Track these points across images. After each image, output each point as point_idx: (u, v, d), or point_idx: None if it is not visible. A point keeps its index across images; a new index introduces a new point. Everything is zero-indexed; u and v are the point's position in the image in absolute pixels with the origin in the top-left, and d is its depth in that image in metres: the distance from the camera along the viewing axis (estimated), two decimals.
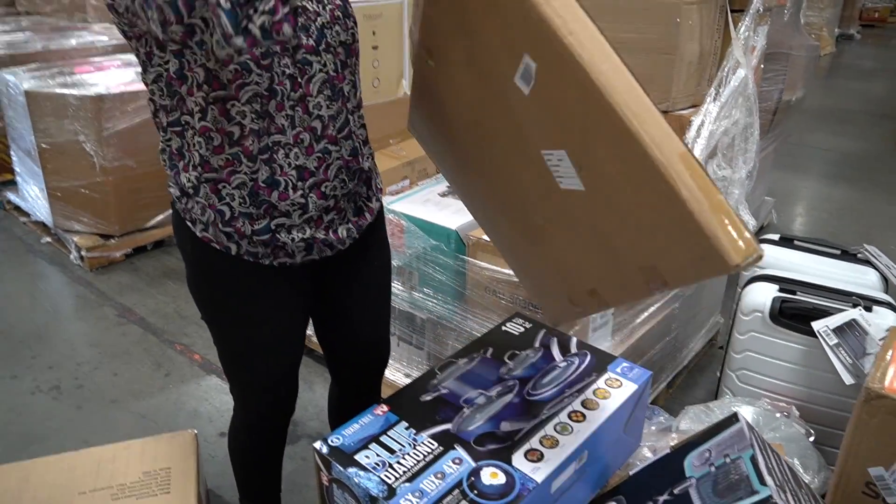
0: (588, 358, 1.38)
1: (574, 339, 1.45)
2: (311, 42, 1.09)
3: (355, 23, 1.18)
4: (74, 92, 3.01)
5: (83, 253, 3.18)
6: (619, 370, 1.35)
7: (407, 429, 1.20)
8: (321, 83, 1.12)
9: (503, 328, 1.50)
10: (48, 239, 3.45)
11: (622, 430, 1.32)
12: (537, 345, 1.44)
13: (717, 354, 2.54)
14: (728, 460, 1.19)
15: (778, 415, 1.76)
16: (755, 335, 1.82)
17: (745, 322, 1.84)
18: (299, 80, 1.09)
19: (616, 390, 1.29)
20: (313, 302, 1.36)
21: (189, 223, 1.17)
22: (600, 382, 1.31)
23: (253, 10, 0.82)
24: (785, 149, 3.66)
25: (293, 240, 1.16)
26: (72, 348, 2.62)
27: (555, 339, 1.45)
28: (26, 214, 3.60)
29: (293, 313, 1.32)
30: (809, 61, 3.32)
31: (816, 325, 1.67)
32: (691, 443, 1.30)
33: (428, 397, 1.29)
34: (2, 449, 2.10)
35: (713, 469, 1.20)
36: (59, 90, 3.02)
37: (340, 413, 1.59)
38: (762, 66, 2.16)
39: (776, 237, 2.12)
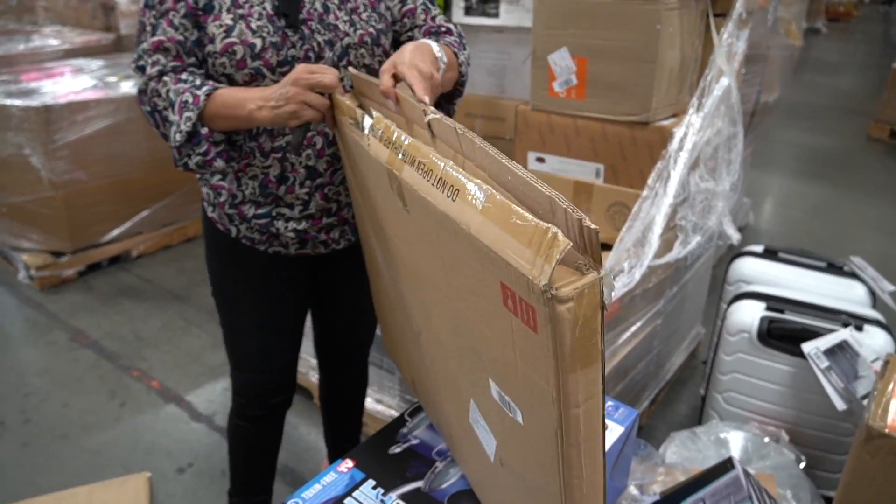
0: None
1: None
2: (334, 57, 1.17)
3: (385, 53, 1.24)
4: (18, 102, 2.82)
5: (32, 272, 3.00)
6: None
7: (374, 488, 1.09)
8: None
9: None
10: None
11: (609, 477, 1.22)
12: None
13: (699, 367, 2.47)
14: None
15: (767, 439, 1.68)
16: (742, 356, 1.74)
17: (731, 342, 1.75)
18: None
19: None
20: (312, 295, 1.46)
21: (205, 203, 1.32)
22: None
23: (191, 151, 1.09)
24: (759, 146, 3.62)
25: (287, 229, 1.25)
26: (18, 378, 2.45)
27: None
28: None
29: (282, 301, 1.38)
30: (785, 61, 3.27)
31: (806, 348, 1.58)
32: (683, 489, 1.20)
33: (397, 449, 1.17)
34: None
35: None
36: (1, 100, 2.83)
37: (329, 395, 1.74)
38: (742, 70, 2.08)
39: (760, 249, 2.04)
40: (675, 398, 2.34)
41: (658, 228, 1.65)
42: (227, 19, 1.10)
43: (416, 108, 0.97)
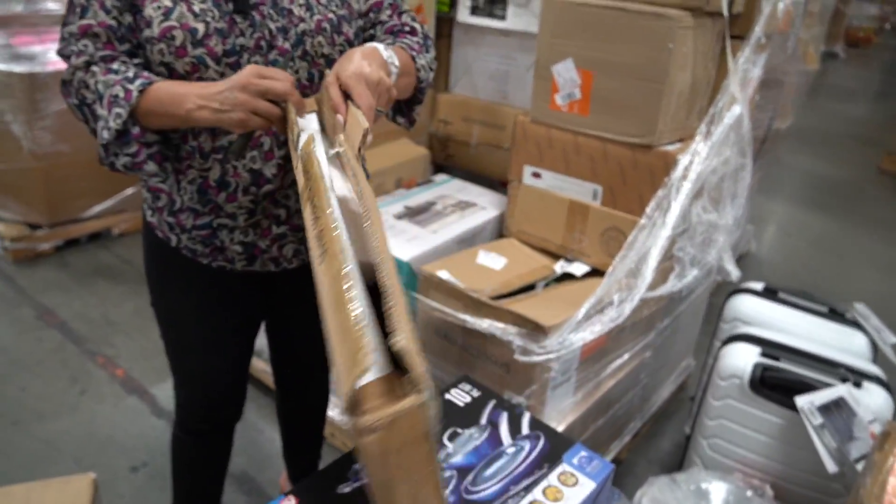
0: (541, 443, 1.18)
1: (527, 416, 1.24)
2: (287, 45, 1.04)
3: (348, 42, 1.11)
4: (2, 67, 2.71)
5: (6, 243, 2.89)
6: (575, 461, 1.15)
7: None
8: None
9: (447, 396, 1.28)
10: None
11: None
12: (484, 421, 1.23)
13: (686, 401, 2.37)
14: None
15: (749, 493, 1.58)
16: (731, 403, 1.64)
17: (721, 387, 1.65)
18: None
19: (571, 489, 1.09)
20: (263, 312, 1.35)
21: (145, 206, 1.20)
22: (552, 478, 1.10)
23: (119, 151, 0.97)
24: (766, 172, 3.50)
25: (232, 241, 1.13)
26: None
27: (504, 416, 1.24)
28: None
29: (227, 319, 1.27)
30: (801, 86, 3.15)
31: (800, 402, 1.48)
32: None
33: (346, 489, 1.07)
34: None
35: None
36: None
37: (287, 412, 1.62)
38: (756, 96, 1.97)
39: (759, 287, 1.93)
40: (659, 432, 2.24)
41: (653, 261, 1.55)
42: (165, 0, 0.98)
43: (354, 128, 0.86)
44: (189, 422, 1.39)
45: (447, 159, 2.38)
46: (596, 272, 1.81)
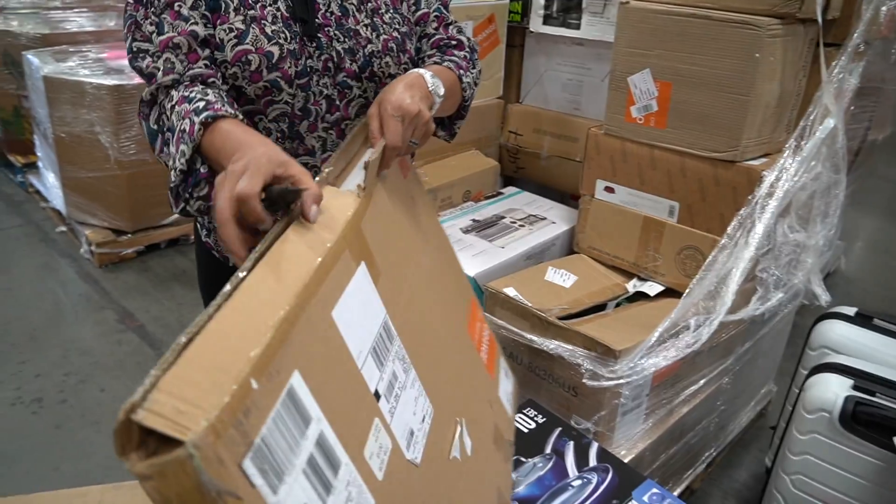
0: (609, 477, 1.12)
1: (595, 447, 1.18)
2: (355, 68, 1.02)
3: (411, 60, 1.09)
4: (92, 80, 2.85)
5: (93, 248, 3.03)
6: (646, 499, 1.08)
7: None
8: (359, 108, 1.06)
9: None
10: (63, 228, 3.32)
11: None
12: (549, 450, 1.17)
13: (766, 429, 2.23)
14: None
15: None
16: (819, 438, 1.52)
17: (807, 420, 1.53)
18: (337, 102, 1.03)
19: None
20: None
21: (198, 225, 1.19)
22: None
23: (189, 195, 0.85)
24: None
25: None
26: (63, 355, 2.46)
27: (571, 445, 1.18)
28: (46, 200, 3.48)
29: None
30: None
31: None
32: None
33: None
34: None
35: None
36: (75, 77, 2.86)
37: None
38: (851, 107, 1.83)
39: (851, 312, 1.79)
40: (736, 462, 2.11)
41: (734, 284, 1.46)
42: (236, 22, 0.92)
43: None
44: None
45: (517, 171, 2.33)
46: (670, 291, 1.73)
